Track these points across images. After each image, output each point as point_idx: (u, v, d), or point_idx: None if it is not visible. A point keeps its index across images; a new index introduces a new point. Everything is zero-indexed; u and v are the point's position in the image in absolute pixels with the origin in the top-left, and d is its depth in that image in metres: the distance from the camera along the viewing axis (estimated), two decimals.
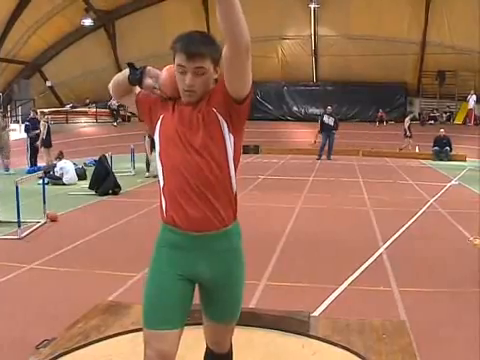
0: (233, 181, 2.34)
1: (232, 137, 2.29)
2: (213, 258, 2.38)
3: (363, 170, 16.25)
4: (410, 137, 21.67)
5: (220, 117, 2.26)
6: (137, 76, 2.42)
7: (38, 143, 15.70)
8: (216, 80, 2.35)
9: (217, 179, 2.27)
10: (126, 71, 2.48)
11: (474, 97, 24.74)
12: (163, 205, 2.35)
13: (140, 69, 2.44)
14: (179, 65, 2.28)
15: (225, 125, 2.27)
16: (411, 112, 25.22)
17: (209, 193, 2.26)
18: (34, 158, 16.07)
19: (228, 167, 2.30)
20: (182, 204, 2.26)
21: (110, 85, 2.60)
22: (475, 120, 24.67)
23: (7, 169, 15.21)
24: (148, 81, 2.40)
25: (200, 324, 2.69)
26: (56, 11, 23.89)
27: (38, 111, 18.32)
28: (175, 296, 2.36)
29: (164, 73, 2.40)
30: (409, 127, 21.80)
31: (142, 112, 2.51)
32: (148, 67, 2.43)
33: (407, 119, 22.23)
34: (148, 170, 14.29)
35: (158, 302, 2.34)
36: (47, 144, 15.69)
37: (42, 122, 16.05)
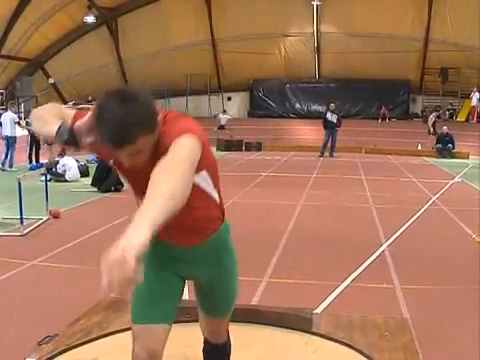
0: (217, 201, 2.33)
1: (203, 172, 2.15)
2: (206, 259, 2.40)
3: (366, 167, 16.23)
4: (434, 135, 21.27)
5: None
6: (68, 140, 2.08)
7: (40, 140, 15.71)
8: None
9: (201, 214, 2.27)
10: (53, 128, 2.11)
11: (477, 94, 24.66)
12: None
13: (63, 129, 2.08)
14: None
15: None
16: (437, 110, 24.70)
17: (196, 226, 2.29)
18: (37, 155, 16.07)
19: (207, 198, 2.28)
20: (171, 234, 2.21)
21: (35, 116, 2.28)
22: (478, 117, 24.60)
23: (11, 166, 15.27)
24: (86, 141, 2.07)
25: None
26: (58, 8, 23.86)
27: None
28: (165, 291, 2.36)
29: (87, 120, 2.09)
30: (434, 124, 21.47)
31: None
32: (76, 125, 2.08)
33: (432, 116, 21.86)
34: None
35: (147, 296, 2.32)
36: (49, 141, 15.64)
37: None
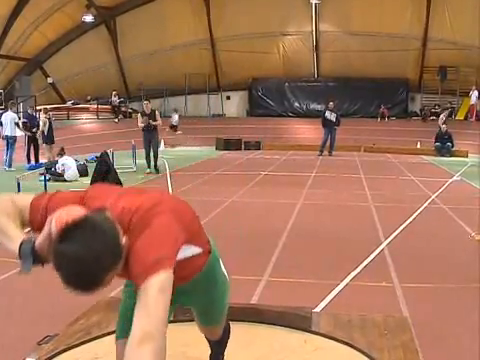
0: (200, 252, 2.26)
1: (186, 246, 2.09)
2: (193, 291, 2.41)
3: (365, 166, 16.24)
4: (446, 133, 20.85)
5: None
6: (30, 263, 1.96)
7: (39, 139, 15.72)
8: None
9: (187, 274, 2.25)
10: (14, 244, 1.97)
11: (476, 93, 24.67)
12: None
13: (26, 253, 1.94)
14: None
15: None
16: (447, 108, 24.41)
17: (183, 277, 2.20)
18: (36, 155, 16.06)
19: (192, 260, 2.22)
20: None
21: None
22: (477, 115, 24.60)
23: (10, 165, 15.27)
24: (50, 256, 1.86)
25: None
26: (57, 7, 23.84)
27: (39, 108, 18.34)
28: None
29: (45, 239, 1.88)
30: (445, 123, 21.16)
31: None
32: (37, 244, 1.91)
33: (442, 116, 21.64)
34: (149, 166, 14.24)
35: (127, 312, 2.20)
36: (49, 140, 15.68)
37: (42, 118, 16.04)
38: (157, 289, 1.76)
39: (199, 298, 2.50)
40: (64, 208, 1.87)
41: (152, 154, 14.24)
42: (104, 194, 2.05)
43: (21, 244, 1.91)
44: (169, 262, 1.84)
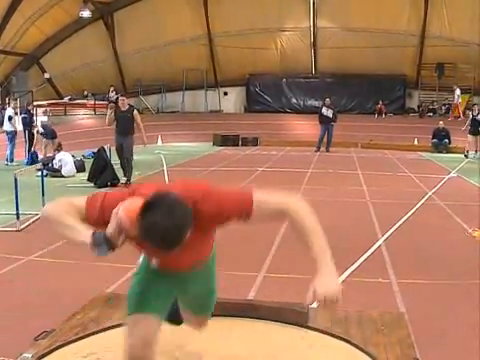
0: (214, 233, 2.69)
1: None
2: (197, 278, 2.79)
3: (362, 162, 16.25)
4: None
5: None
6: (102, 251, 2.26)
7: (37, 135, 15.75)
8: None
9: (204, 254, 2.75)
10: (84, 237, 2.28)
11: (458, 91, 24.76)
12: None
13: (101, 241, 2.25)
14: None
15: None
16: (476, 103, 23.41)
17: (199, 260, 2.71)
18: (29, 149, 16.10)
19: (212, 243, 2.77)
20: (178, 265, 2.61)
21: (51, 219, 2.40)
22: (458, 115, 24.30)
23: (12, 160, 15.30)
24: (120, 241, 2.27)
25: None
26: (54, 2, 23.72)
27: (36, 104, 18.32)
28: (160, 292, 2.63)
29: (126, 222, 2.21)
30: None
31: None
32: (108, 233, 2.25)
33: (470, 113, 20.77)
34: (125, 174, 11.61)
35: (145, 289, 2.62)
36: (50, 136, 15.67)
37: (40, 120, 16.12)
38: (264, 194, 2.46)
39: (201, 286, 2.84)
40: (125, 201, 2.27)
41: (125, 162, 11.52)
42: (151, 187, 2.37)
43: (93, 234, 2.24)
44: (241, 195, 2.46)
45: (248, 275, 5.25)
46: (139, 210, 2.14)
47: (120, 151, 11.44)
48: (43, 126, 16.37)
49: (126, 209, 2.22)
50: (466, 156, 18.27)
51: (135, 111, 11.66)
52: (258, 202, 2.37)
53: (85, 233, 2.26)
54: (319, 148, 19.69)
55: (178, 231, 2.14)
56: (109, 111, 11.75)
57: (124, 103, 11.59)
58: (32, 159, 15.26)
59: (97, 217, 2.35)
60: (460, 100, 25.13)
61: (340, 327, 3.76)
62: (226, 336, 3.63)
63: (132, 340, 2.49)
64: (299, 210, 2.46)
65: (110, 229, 2.23)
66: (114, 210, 2.24)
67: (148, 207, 2.13)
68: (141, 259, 2.78)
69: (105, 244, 2.24)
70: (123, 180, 11.46)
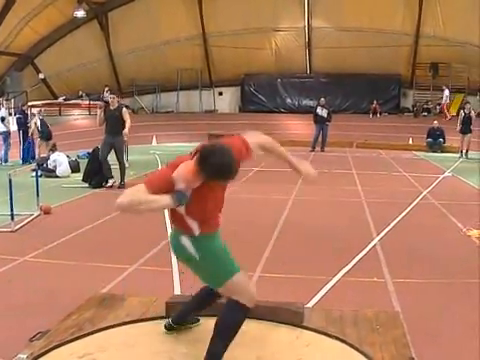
0: None
1: None
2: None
3: (357, 162, 16.27)
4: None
5: None
6: (183, 201, 2.97)
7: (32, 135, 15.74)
8: None
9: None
10: (167, 200, 2.91)
11: (447, 92, 24.83)
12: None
13: (181, 195, 2.95)
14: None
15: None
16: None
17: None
18: (23, 150, 16.08)
19: None
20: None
21: (133, 203, 2.93)
22: (445, 116, 24.31)
23: (6, 161, 15.28)
24: (189, 191, 2.99)
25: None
26: (48, 2, 23.66)
27: (30, 104, 18.27)
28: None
29: (189, 176, 2.94)
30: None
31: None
32: (181, 188, 2.95)
33: (461, 112, 19.98)
34: (109, 178, 11.15)
35: (229, 253, 3.27)
36: (45, 137, 15.64)
37: (36, 117, 16.05)
38: (247, 137, 3.35)
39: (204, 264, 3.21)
40: (178, 167, 2.98)
41: (117, 163, 11.09)
42: (181, 157, 3.13)
43: (172, 195, 2.91)
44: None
45: None
46: (197, 164, 2.90)
47: (108, 151, 10.99)
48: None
49: (184, 170, 2.94)
50: (462, 156, 18.30)
51: (124, 108, 11.19)
52: (249, 143, 3.30)
53: (165, 198, 2.90)
54: (314, 148, 19.69)
55: (235, 163, 2.95)
56: (99, 111, 11.47)
57: (114, 101, 11.09)
58: (25, 156, 15.30)
59: (163, 188, 2.93)
60: (448, 100, 25.22)
61: (335, 326, 3.77)
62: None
63: (252, 290, 3.26)
64: (270, 142, 3.58)
65: (180, 186, 2.92)
66: (174, 175, 2.93)
67: (207, 156, 2.89)
68: (189, 242, 3.14)
69: (183, 196, 2.93)
70: (110, 183, 11.03)
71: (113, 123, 10.80)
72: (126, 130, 10.86)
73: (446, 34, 24.62)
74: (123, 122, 10.86)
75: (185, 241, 3.14)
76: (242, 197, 9.50)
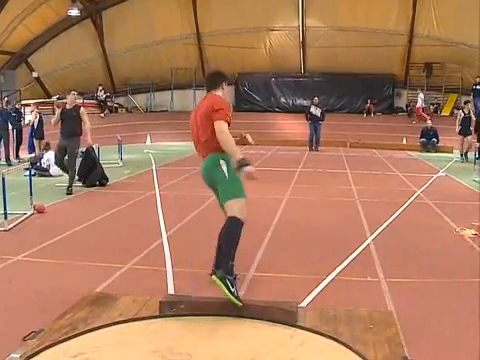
0: None
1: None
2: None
3: (351, 161, 16.29)
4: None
5: None
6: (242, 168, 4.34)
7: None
8: None
9: None
10: (238, 155, 4.46)
11: (421, 95, 24.85)
12: None
13: (244, 163, 4.39)
14: None
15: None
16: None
17: None
18: (17, 150, 16.03)
19: None
20: None
21: (228, 142, 4.58)
22: (420, 117, 24.27)
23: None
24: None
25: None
26: (42, 1, 23.54)
27: (25, 102, 18.23)
28: None
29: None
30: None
31: None
32: (241, 157, 4.41)
33: (460, 112, 18.50)
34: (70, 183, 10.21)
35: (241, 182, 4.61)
36: (39, 136, 15.59)
37: (34, 112, 16.01)
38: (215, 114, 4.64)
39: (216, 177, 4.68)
40: (219, 104, 4.68)
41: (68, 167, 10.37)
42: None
43: (243, 159, 4.39)
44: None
45: (237, 274, 5.24)
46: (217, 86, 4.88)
47: (62, 154, 10.24)
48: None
49: (224, 104, 4.73)
50: (462, 158, 17.46)
51: (82, 109, 10.37)
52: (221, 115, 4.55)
53: (239, 153, 4.42)
54: (311, 148, 19.81)
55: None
56: (58, 110, 10.53)
57: (72, 100, 10.30)
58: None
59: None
60: (423, 104, 25.18)
61: (329, 326, 3.77)
62: (215, 336, 3.63)
63: (246, 212, 4.52)
64: (220, 134, 4.54)
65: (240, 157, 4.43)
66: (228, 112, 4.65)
67: (213, 74, 5.09)
68: (226, 165, 4.62)
69: (246, 164, 4.39)
70: (64, 185, 10.27)
71: (68, 124, 10.00)
72: (89, 139, 10.35)
73: (440, 34, 24.67)
74: (79, 124, 10.18)
75: (222, 163, 4.54)
76: None
